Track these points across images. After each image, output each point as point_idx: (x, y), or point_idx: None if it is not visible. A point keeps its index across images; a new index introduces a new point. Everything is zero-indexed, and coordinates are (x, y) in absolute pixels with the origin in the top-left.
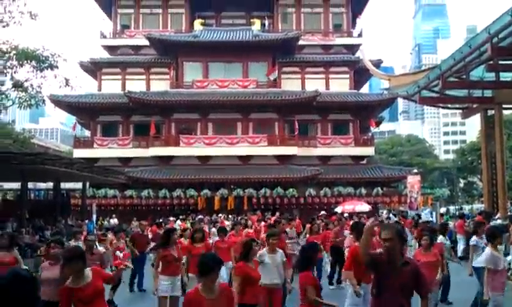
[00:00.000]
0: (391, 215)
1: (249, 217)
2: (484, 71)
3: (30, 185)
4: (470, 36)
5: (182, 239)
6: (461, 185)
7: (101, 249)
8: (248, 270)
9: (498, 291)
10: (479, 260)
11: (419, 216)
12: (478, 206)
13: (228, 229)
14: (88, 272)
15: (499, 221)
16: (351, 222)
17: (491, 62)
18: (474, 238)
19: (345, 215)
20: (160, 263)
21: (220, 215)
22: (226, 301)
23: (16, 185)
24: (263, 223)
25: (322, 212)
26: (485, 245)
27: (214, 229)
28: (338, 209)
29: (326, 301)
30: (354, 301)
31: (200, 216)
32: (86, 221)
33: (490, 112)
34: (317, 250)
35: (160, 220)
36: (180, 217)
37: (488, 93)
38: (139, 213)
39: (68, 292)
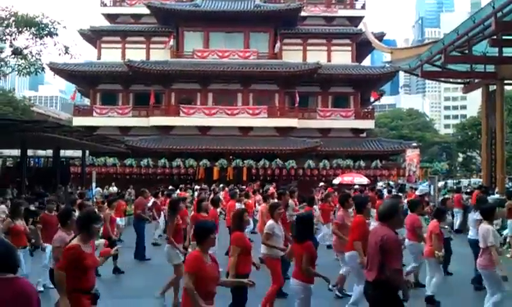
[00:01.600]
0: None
1: (251, 187)
2: (487, 46)
3: (30, 152)
4: (474, 10)
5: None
6: (460, 159)
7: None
8: (246, 240)
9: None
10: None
11: (414, 189)
12: (476, 180)
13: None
14: None
15: (497, 196)
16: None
17: (495, 37)
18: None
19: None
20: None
21: (221, 185)
22: (216, 269)
23: (16, 152)
24: (259, 196)
25: (321, 184)
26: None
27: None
28: (336, 181)
29: (320, 273)
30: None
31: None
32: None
33: (492, 88)
34: (312, 220)
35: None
36: (180, 186)
37: (490, 68)
38: (139, 182)
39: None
